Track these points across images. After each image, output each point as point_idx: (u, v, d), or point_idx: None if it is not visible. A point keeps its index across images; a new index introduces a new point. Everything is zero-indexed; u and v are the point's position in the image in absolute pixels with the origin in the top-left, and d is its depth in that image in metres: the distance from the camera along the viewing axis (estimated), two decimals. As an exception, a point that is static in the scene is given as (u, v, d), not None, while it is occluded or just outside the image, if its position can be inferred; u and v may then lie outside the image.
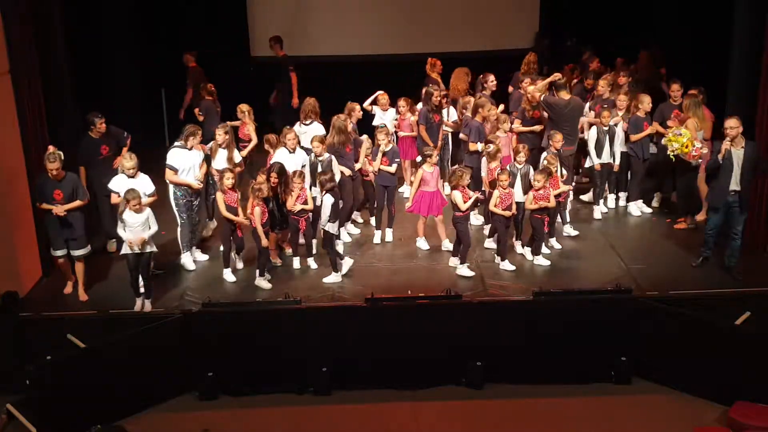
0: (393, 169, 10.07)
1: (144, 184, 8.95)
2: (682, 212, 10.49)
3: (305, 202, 9.35)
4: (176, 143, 9.64)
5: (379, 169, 10.08)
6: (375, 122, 11.13)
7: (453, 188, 9.28)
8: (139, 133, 10.96)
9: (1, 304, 8.70)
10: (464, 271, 9.32)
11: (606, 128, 10.61)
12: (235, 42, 14.13)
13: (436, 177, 9.79)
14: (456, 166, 9.87)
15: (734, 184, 8.85)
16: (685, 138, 9.41)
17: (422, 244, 10.02)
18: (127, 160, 8.97)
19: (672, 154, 9.59)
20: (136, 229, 8.51)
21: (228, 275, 9.33)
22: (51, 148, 8.72)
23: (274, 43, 13.12)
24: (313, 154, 9.78)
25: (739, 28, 10.18)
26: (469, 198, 9.25)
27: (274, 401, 8.43)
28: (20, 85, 9.24)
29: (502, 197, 9.28)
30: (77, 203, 8.81)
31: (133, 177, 8.93)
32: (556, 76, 10.70)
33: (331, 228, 9.15)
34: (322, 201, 9.20)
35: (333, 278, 9.24)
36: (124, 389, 8.07)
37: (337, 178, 9.63)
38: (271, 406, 8.38)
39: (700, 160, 9.78)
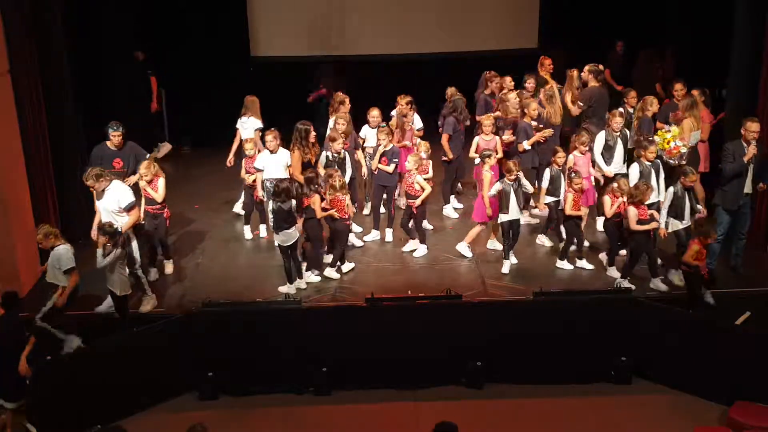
0: (391, 168, 10.05)
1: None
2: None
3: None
4: None
5: (378, 169, 10.08)
6: (368, 144, 10.62)
7: (630, 204, 8.80)
8: (139, 134, 10.90)
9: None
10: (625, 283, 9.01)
11: (649, 163, 9.40)
12: (235, 42, 14.13)
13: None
14: (638, 181, 9.14)
15: (747, 188, 8.89)
16: (670, 135, 9.50)
17: (465, 251, 9.80)
18: None
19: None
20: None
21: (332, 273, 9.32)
22: None
23: (140, 52, 13.20)
24: (330, 152, 9.81)
25: (739, 28, 10.18)
26: (648, 216, 8.79)
27: (274, 401, 8.42)
28: (20, 85, 9.24)
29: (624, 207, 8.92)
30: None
31: None
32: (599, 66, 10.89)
33: (277, 239, 8.88)
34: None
35: (286, 288, 9.07)
36: (124, 389, 8.06)
37: (348, 176, 9.71)
38: (271, 406, 8.37)
39: (674, 160, 9.69)
